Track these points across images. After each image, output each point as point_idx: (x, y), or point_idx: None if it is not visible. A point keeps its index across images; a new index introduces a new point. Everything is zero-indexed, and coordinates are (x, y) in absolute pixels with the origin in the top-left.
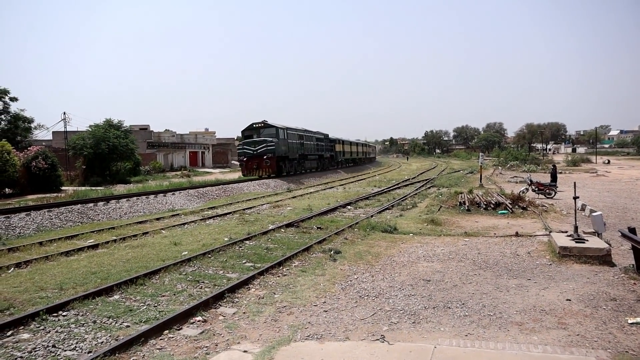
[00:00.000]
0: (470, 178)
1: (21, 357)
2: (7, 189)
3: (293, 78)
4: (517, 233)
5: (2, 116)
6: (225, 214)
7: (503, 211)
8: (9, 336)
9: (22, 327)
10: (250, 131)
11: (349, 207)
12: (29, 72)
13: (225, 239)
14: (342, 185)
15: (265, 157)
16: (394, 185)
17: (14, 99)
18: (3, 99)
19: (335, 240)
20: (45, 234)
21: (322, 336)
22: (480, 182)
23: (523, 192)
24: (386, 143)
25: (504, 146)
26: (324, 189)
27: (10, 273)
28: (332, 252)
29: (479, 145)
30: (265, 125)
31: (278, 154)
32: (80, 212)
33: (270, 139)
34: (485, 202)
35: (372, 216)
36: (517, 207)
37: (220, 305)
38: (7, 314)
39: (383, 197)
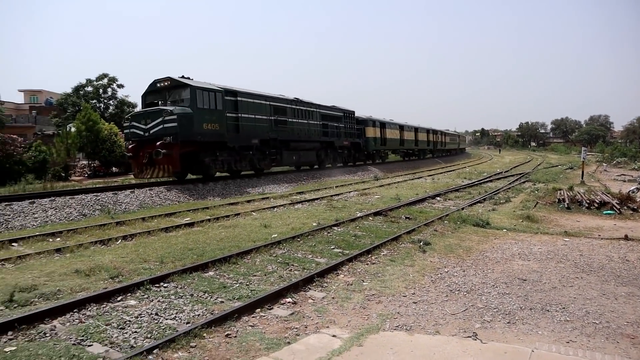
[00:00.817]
0: (569, 174)
1: (129, 320)
2: (114, 168)
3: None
4: (626, 236)
5: (111, 101)
6: (314, 200)
7: (609, 211)
8: (119, 301)
9: (129, 294)
10: (153, 96)
11: (438, 198)
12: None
13: (314, 224)
14: (429, 176)
15: (158, 143)
16: (485, 178)
17: (120, 86)
18: (111, 86)
19: (424, 232)
20: (146, 211)
21: (412, 328)
22: (582, 178)
23: (633, 192)
24: (477, 134)
25: (609, 141)
26: (412, 179)
27: (118, 244)
28: (421, 243)
29: (580, 139)
30: (174, 84)
31: (187, 138)
32: (178, 191)
33: (171, 109)
34: (588, 200)
35: (462, 209)
36: (625, 207)
37: (310, 289)
38: (117, 281)
39: (474, 189)
